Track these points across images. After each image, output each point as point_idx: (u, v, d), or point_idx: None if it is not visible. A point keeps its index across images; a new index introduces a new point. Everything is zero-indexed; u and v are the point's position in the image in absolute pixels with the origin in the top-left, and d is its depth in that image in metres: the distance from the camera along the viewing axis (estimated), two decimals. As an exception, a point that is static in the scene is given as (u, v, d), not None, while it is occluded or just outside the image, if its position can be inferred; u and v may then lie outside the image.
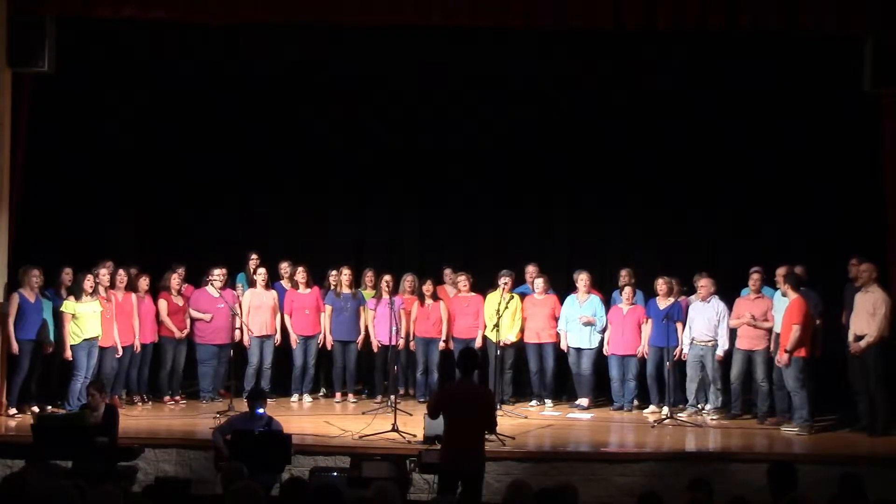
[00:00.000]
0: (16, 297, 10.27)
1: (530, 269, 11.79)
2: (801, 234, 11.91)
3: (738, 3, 10.20)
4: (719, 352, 10.81)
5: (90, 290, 10.48)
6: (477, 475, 7.42)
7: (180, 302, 11.40)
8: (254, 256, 11.89)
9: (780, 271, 10.41)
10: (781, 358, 10.08)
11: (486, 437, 9.20)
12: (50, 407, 10.47)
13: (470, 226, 13.02)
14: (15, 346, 10.21)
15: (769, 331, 10.57)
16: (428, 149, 12.81)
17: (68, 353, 10.38)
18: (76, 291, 10.46)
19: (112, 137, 12.42)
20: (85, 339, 10.44)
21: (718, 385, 10.88)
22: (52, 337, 10.48)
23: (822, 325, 10.62)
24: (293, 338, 11.59)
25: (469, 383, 7.66)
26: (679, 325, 10.99)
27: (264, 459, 7.93)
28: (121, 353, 10.78)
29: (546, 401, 11.57)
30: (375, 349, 11.64)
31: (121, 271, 10.93)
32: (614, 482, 8.94)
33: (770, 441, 10.01)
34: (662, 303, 11.15)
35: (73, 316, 10.39)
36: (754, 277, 10.75)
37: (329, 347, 11.72)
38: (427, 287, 11.63)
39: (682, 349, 10.99)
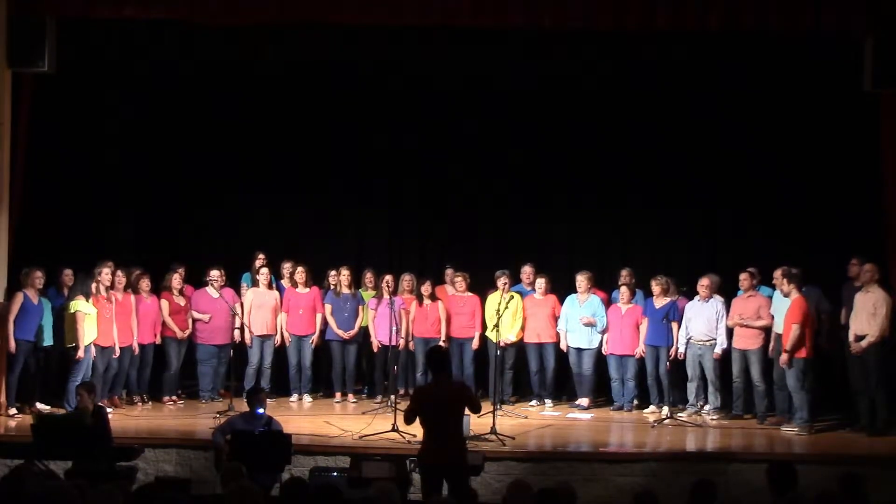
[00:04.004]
0: (20, 296, 10.29)
1: (527, 270, 11.80)
2: (801, 234, 11.91)
3: (738, 3, 10.20)
4: (717, 350, 10.81)
5: (95, 292, 10.49)
6: (459, 471, 7.37)
7: (182, 302, 11.41)
8: (260, 256, 11.88)
9: (777, 273, 10.42)
10: (783, 358, 10.09)
11: (486, 435, 9.30)
12: (50, 407, 10.46)
13: (470, 226, 13.01)
14: (12, 345, 10.21)
15: (764, 330, 10.58)
16: (428, 149, 12.80)
17: (82, 353, 10.35)
18: (85, 292, 10.45)
19: (112, 137, 12.42)
20: (90, 341, 10.43)
21: (717, 385, 10.89)
22: (51, 338, 10.48)
23: (828, 321, 10.61)
24: (286, 336, 11.60)
25: (442, 382, 7.54)
26: (675, 325, 11.00)
27: (264, 459, 7.93)
28: (118, 353, 10.77)
29: (546, 401, 11.57)
30: (375, 349, 11.64)
31: (119, 272, 10.93)
32: (614, 482, 8.93)
33: (770, 441, 10.01)
34: (658, 302, 11.15)
35: (87, 315, 10.39)
36: (742, 278, 10.76)
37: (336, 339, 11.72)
38: (425, 287, 11.63)
39: (677, 348, 11.00)
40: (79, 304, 10.40)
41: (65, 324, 10.47)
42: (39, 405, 10.46)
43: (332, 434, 9.70)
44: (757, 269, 10.87)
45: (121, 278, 10.93)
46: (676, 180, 12.48)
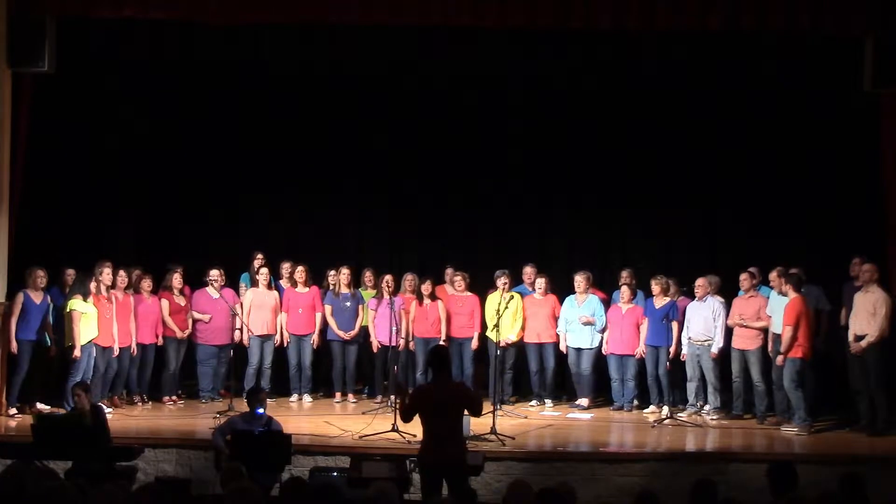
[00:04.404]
0: (21, 296, 10.29)
1: (528, 270, 11.81)
2: (800, 234, 11.92)
3: (738, 3, 10.20)
4: (714, 350, 10.81)
5: (95, 292, 10.48)
6: (459, 471, 7.37)
7: (182, 302, 11.41)
8: (259, 256, 11.89)
9: (773, 273, 10.43)
10: (778, 359, 10.09)
11: (486, 435, 9.30)
12: (49, 407, 10.46)
13: (470, 226, 13.02)
14: (14, 346, 10.21)
15: (763, 330, 10.58)
16: (428, 149, 12.80)
17: (78, 352, 10.36)
18: (84, 292, 10.45)
19: (112, 137, 12.42)
20: (89, 340, 10.43)
21: (716, 385, 10.89)
22: (50, 338, 10.48)
23: (827, 322, 10.61)
24: (285, 335, 11.60)
25: (443, 382, 7.55)
26: (675, 325, 11.00)
27: (264, 459, 7.94)
28: (117, 353, 10.75)
29: (546, 401, 11.57)
30: (375, 349, 11.64)
31: (121, 272, 10.94)
32: (614, 482, 8.93)
33: (770, 441, 10.02)
34: (658, 302, 11.16)
35: (83, 315, 10.38)
36: (742, 278, 10.76)
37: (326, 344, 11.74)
38: (426, 287, 11.62)
39: (677, 348, 11.00)
40: (75, 304, 10.41)
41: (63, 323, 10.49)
42: (39, 405, 10.46)
43: (332, 434, 9.70)
44: (758, 269, 10.87)
45: (123, 278, 10.94)
46: (676, 180, 12.47)
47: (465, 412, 7.55)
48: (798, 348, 10.05)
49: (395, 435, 9.39)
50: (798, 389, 10.05)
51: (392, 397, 10.44)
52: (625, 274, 11.61)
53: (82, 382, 9.27)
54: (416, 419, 7.41)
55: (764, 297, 10.73)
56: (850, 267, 10.55)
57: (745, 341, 10.65)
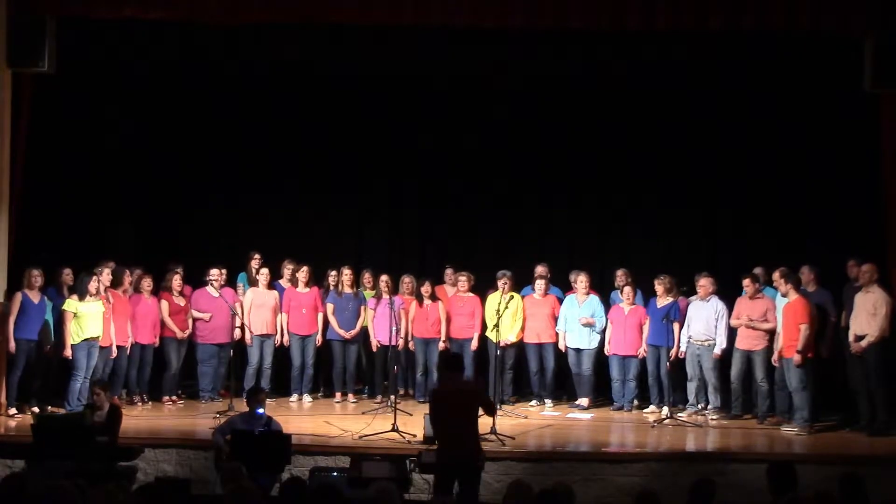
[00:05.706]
0: (19, 296, 10.29)
1: (539, 269, 11.78)
2: (801, 235, 11.91)
3: (738, 3, 10.20)
4: (717, 350, 10.81)
5: (94, 291, 10.48)
6: (474, 472, 7.41)
7: (182, 302, 11.40)
8: (256, 256, 11.89)
9: (776, 274, 10.43)
10: (794, 358, 10.03)
11: (486, 435, 9.31)
12: (50, 407, 10.46)
13: (470, 226, 13.01)
14: (12, 345, 10.20)
15: (768, 331, 10.56)
16: (428, 149, 12.80)
17: (68, 352, 10.37)
18: (80, 291, 10.45)
19: (112, 137, 12.42)
20: (84, 339, 10.42)
21: (716, 385, 10.88)
22: (52, 337, 10.49)
23: (833, 328, 10.60)
24: (286, 337, 11.59)
25: (454, 381, 7.62)
26: (676, 325, 10.99)
27: (264, 459, 7.94)
28: (115, 353, 10.75)
29: (546, 401, 11.57)
30: (375, 349, 11.64)
31: (127, 272, 10.94)
32: (614, 482, 8.93)
33: (770, 441, 10.01)
34: (660, 302, 11.15)
35: (75, 315, 10.38)
36: (745, 283, 10.70)
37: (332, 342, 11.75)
38: (425, 288, 11.62)
39: (678, 348, 11.00)
40: (68, 304, 10.41)
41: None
42: (50, 408, 10.44)
43: (332, 434, 9.70)
44: (763, 270, 10.85)
45: (127, 277, 10.94)
46: (676, 180, 12.47)
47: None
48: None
49: (395, 435, 9.41)
50: (805, 389, 10.04)
51: (392, 397, 10.45)
52: (620, 274, 11.59)
53: (101, 381, 9.29)
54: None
55: (770, 297, 10.70)
56: (846, 269, 10.53)
57: (751, 342, 10.62)
